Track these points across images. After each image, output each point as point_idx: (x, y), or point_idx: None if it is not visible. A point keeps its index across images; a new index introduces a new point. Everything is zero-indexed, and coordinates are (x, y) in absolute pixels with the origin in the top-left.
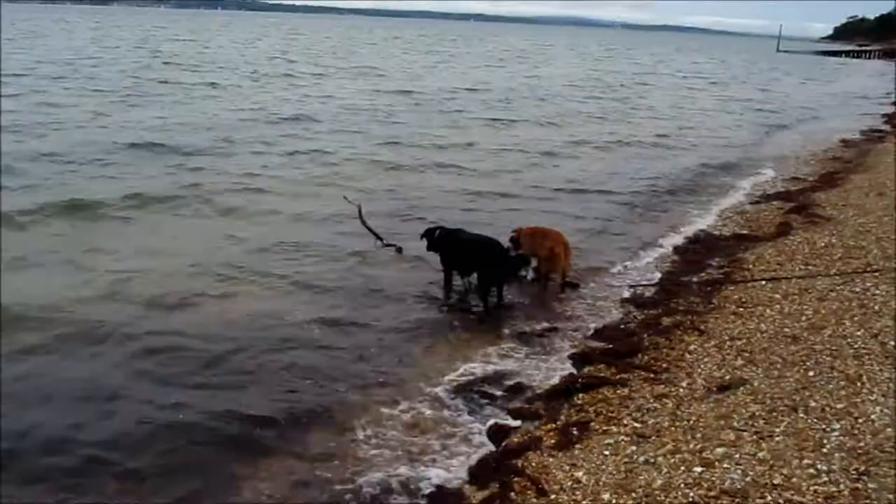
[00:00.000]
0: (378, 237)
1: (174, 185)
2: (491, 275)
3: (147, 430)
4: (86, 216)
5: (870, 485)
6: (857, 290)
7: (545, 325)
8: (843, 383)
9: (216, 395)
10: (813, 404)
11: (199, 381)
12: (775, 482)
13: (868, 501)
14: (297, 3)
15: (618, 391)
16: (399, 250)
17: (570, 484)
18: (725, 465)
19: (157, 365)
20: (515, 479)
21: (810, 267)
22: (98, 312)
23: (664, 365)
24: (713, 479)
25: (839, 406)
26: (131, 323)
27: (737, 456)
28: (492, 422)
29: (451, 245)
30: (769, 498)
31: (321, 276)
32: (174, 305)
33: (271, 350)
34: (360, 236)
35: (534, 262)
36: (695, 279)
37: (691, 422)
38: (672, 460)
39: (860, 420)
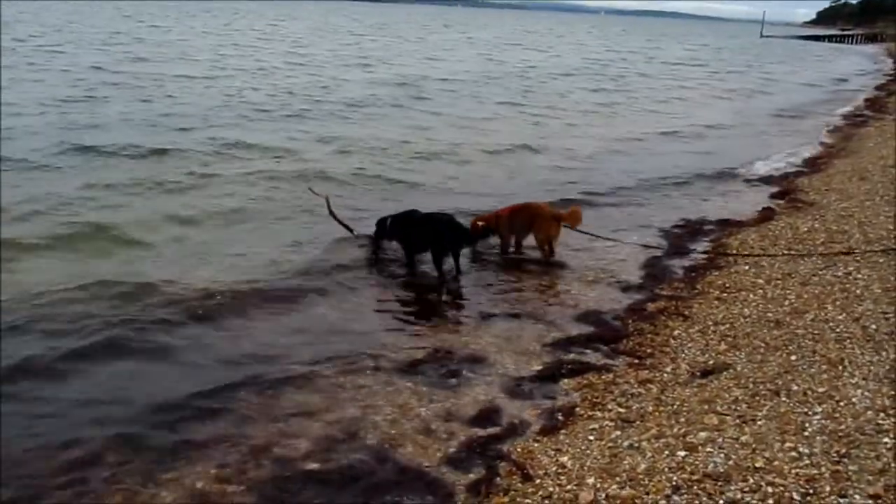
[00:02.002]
0: (349, 229)
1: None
2: (443, 246)
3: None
4: None
5: (850, 467)
6: (840, 274)
7: (530, 308)
8: (824, 367)
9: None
10: (795, 388)
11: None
12: (757, 465)
13: (848, 483)
14: None
15: (603, 376)
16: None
17: (554, 469)
18: (709, 449)
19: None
20: (501, 463)
21: (793, 252)
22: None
23: (649, 350)
24: (696, 462)
25: (821, 390)
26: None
27: (720, 440)
28: (477, 406)
29: (406, 227)
30: (751, 481)
31: (290, 258)
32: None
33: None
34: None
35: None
36: (679, 264)
37: (675, 406)
38: (656, 445)
39: (841, 403)
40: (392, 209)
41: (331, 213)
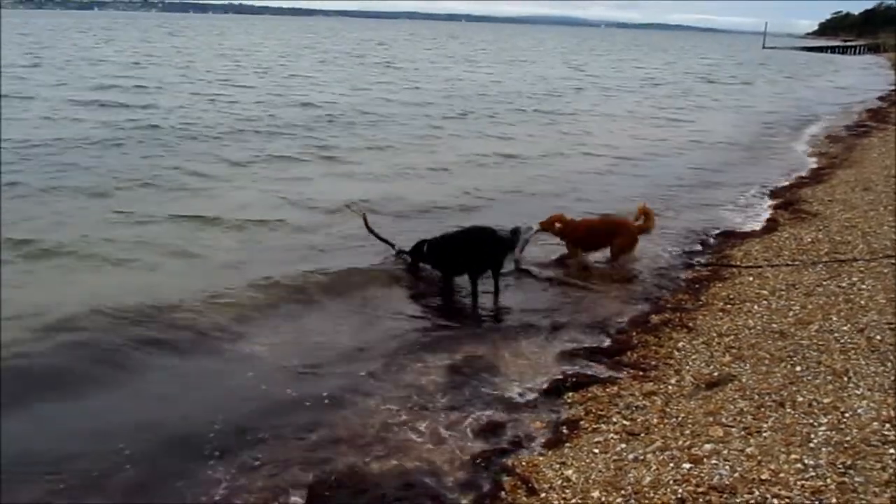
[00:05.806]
0: (390, 244)
1: None
2: (481, 267)
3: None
4: None
5: (856, 478)
6: (844, 285)
7: (533, 321)
8: (829, 378)
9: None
10: (800, 399)
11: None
12: (763, 477)
13: (854, 495)
14: (285, 6)
15: (607, 389)
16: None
17: (559, 482)
18: (714, 461)
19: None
20: (506, 477)
21: (797, 262)
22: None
23: (653, 362)
24: (701, 475)
25: (826, 401)
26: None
27: (725, 452)
28: (482, 420)
29: (444, 252)
30: (757, 493)
31: (304, 273)
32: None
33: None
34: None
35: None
36: (683, 276)
37: (680, 418)
38: (661, 457)
39: (847, 414)
40: None
41: (369, 230)
